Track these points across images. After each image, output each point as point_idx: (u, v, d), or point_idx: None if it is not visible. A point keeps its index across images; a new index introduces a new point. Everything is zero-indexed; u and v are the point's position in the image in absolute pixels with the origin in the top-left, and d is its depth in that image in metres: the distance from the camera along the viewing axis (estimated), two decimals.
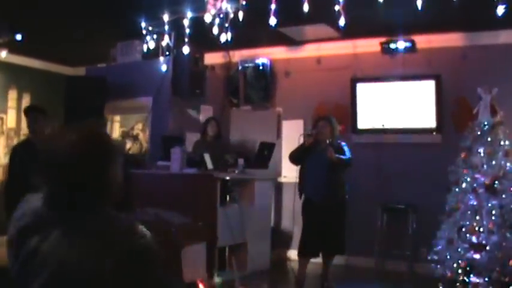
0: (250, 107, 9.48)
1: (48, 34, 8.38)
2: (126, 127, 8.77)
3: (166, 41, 7.49)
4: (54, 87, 9.71)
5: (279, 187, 8.79)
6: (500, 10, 5.50)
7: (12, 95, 9.95)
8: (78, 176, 1.88)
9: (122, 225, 1.91)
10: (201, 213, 6.59)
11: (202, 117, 8.67)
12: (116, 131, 8.93)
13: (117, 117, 8.96)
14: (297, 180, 6.79)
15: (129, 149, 8.56)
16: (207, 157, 7.03)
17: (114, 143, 2.00)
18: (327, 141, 6.60)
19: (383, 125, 8.30)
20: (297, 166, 6.83)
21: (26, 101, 10.14)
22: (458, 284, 6.15)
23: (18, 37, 7.91)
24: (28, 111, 6.49)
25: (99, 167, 1.92)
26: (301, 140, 6.68)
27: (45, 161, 1.94)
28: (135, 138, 8.53)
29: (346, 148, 6.70)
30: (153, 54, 7.99)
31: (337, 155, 6.49)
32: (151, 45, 7.74)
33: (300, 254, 6.74)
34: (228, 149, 8.04)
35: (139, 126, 8.55)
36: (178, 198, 6.77)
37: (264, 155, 7.68)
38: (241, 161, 7.41)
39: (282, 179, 8.74)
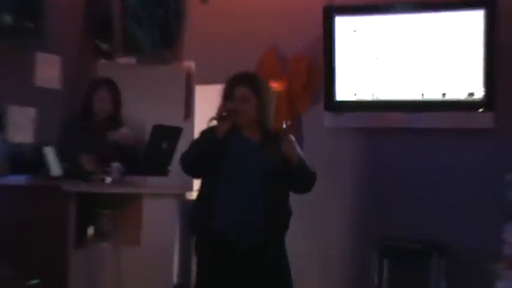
0: (135, 59, 6.86)
1: None
2: None
3: None
4: None
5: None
6: None
7: None
8: None
9: None
10: (40, 259, 4.93)
11: (40, 76, 6.13)
12: None
13: None
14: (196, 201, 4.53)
15: None
16: (49, 153, 4.95)
17: None
18: (284, 125, 4.27)
19: (374, 96, 5.92)
20: (197, 177, 4.69)
21: None
22: None
23: None
24: None
25: None
26: (210, 124, 4.38)
27: None
28: None
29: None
30: None
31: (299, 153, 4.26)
32: None
33: None
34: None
35: None
36: None
37: (160, 148, 5.37)
38: (116, 164, 5.17)
39: (194, 195, 5.74)
